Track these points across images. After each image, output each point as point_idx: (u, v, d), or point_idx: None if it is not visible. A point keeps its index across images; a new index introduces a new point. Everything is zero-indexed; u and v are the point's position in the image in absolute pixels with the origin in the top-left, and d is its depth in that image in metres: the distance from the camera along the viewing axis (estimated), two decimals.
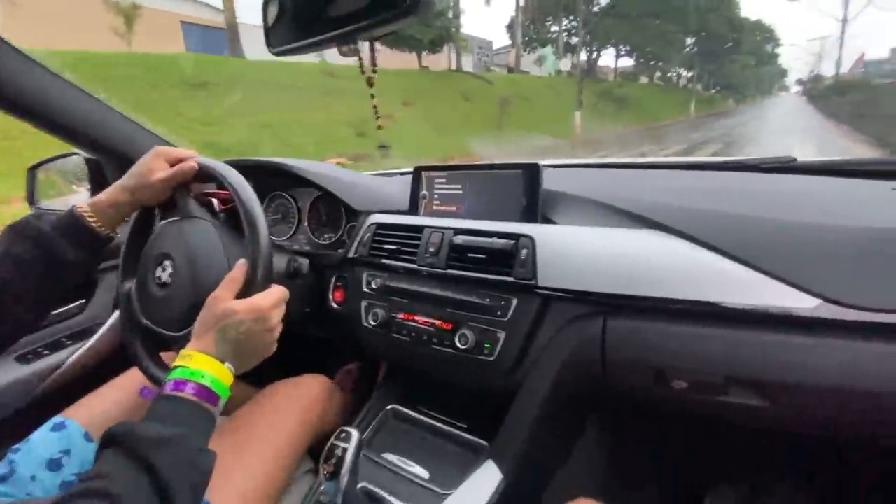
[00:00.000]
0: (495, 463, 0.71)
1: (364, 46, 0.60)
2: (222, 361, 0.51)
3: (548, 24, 25.47)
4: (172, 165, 0.68)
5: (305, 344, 1.04)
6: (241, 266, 0.60)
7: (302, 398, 0.83)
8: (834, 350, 0.52)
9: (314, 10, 0.59)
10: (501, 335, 0.71)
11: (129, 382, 0.82)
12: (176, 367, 0.50)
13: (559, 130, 13.02)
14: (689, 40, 34.13)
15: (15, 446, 0.69)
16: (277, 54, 0.63)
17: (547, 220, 0.79)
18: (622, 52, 32.83)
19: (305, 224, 1.05)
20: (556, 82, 23.26)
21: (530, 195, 0.79)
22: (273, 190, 1.09)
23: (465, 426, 0.84)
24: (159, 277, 0.67)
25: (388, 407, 0.90)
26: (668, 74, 40.57)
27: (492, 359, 0.71)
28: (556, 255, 0.69)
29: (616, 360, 0.65)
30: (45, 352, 0.96)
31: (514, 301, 0.70)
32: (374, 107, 0.64)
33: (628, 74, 36.61)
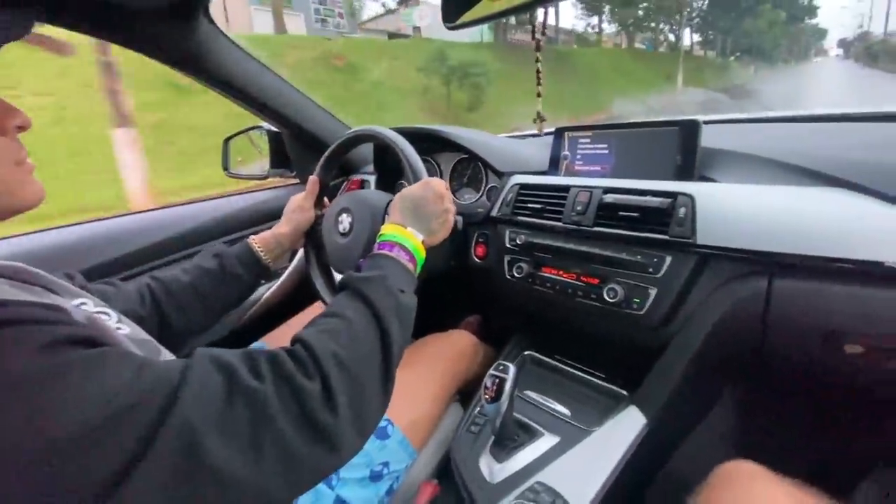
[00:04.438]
0: (639, 408, 0.76)
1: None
2: (405, 226, 0.65)
3: None
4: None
5: (433, 298, 1.16)
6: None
7: (452, 350, 0.95)
8: None
9: None
10: (652, 291, 0.73)
11: (312, 315, 1.01)
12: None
13: None
14: None
15: None
16: (452, 28, 0.70)
17: (704, 179, 0.77)
18: (582, 12, 27.19)
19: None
20: (394, 46, 15.69)
21: (687, 153, 0.78)
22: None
23: (602, 375, 0.89)
24: (341, 228, 0.83)
25: (525, 353, 0.99)
26: (661, 37, 32.02)
27: (640, 313, 0.74)
28: (717, 214, 0.68)
29: (780, 322, 0.64)
30: None
31: (668, 258, 0.72)
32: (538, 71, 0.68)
33: (584, 37, 29.68)
